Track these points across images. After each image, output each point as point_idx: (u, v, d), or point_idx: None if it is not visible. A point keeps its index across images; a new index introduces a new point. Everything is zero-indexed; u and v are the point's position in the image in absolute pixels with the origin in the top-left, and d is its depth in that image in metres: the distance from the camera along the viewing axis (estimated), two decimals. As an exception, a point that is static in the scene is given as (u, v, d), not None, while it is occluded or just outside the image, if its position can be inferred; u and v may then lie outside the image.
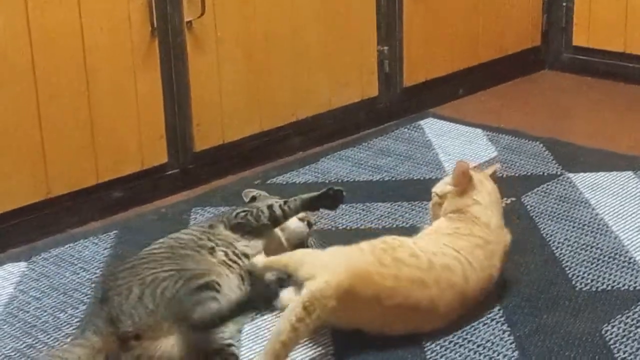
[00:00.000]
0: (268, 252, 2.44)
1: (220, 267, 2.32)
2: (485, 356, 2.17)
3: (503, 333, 2.25)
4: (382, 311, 2.17)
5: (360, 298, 2.14)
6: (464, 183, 2.40)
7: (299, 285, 2.21)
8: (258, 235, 2.45)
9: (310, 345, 2.23)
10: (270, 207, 2.47)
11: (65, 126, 2.89)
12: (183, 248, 2.34)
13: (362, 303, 2.15)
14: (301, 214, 2.57)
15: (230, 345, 2.14)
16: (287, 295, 2.33)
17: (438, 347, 2.21)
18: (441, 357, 2.17)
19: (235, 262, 2.37)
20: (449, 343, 2.22)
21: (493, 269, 2.31)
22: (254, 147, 3.37)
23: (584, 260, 2.58)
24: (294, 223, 2.55)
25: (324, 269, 2.16)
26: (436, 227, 2.41)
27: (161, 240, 2.41)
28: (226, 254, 2.37)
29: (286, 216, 2.49)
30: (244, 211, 2.48)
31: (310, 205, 2.51)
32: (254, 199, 2.64)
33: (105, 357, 2.14)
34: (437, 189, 2.49)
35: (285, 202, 2.49)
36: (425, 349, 2.20)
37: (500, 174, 3.15)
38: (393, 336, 2.23)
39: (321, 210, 2.91)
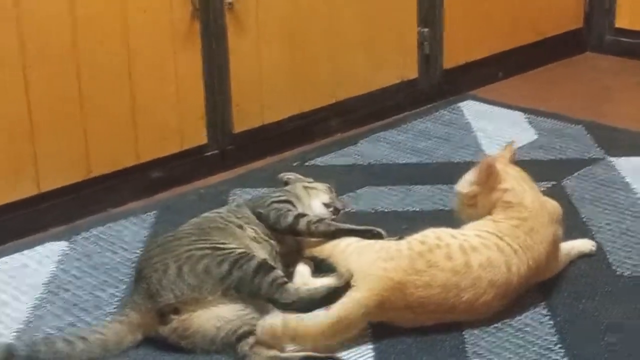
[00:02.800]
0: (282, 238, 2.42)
1: (250, 242, 2.33)
2: (525, 340, 2.16)
3: (543, 317, 2.24)
4: (415, 315, 2.16)
5: (393, 307, 2.14)
6: (492, 180, 2.33)
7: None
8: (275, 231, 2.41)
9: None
10: (297, 217, 2.39)
11: (106, 107, 2.91)
12: (210, 222, 2.36)
13: (394, 310, 2.15)
14: (327, 199, 2.55)
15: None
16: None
17: (477, 331, 2.20)
18: (480, 340, 2.17)
19: (265, 240, 2.38)
20: (488, 327, 2.21)
21: (540, 244, 2.26)
22: (293, 128, 3.37)
23: (624, 245, 2.56)
24: (318, 208, 2.51)
25: (361, 280, 2.14)
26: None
27: (188, 222, 2.42)
28: (255, 232, 2.38)
29: (310, 234, 2.38)
30: (273, 202, 2.44)
31: (344, 236, 2.39)
32: (286, 183, 2.64)
33: (143, 333, 2.19)
34: (463, 189, 2.39)
35: (318, 221, 2.39)
36: (464, 333, 2.19)
37: (541, 158, 3.15)
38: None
39: (360, 192, 2.93)
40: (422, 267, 2.15)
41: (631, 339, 2.15)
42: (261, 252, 2.32)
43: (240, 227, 2.37)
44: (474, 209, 2.37)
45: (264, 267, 2.19)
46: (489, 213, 2.34)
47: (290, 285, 2.18)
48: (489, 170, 2.34)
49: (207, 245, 2.23)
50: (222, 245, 2.24)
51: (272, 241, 2.39)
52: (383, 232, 2.37)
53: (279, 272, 2.20)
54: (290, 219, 2.39)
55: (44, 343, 2.12)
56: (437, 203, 2.86)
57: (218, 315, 2.15)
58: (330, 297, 2.13)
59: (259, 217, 2.42)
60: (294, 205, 2.46)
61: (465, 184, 2.39)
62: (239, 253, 2.22)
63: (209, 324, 2.15)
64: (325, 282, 2.21)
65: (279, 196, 2.49)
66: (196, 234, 2.29)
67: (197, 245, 2.24)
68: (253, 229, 2.38)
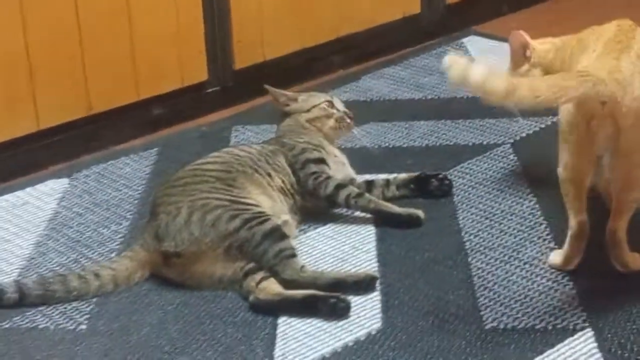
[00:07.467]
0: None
1: (276, 193, 2.31)
2: (532, 273, 2.15)
3: (550, 251, 2.22)
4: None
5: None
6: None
7: None
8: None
9: (354, 268, 2.23)
10: (337, 187, 2.36)
11: (106, 43, 2.86)
12: (240, 165, 2.32)
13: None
14: (333, 123, 2.53)
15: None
16: None
17: (484, 265, 2.19)
18: (487, 274, 2.15)
19: (292, 194, 2.36)
20: (495, 260, 2.20)
21: None
22: (294, 65, 3.32)
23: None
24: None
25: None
26: None
27: (216, 154, 2.39)
28: (283, 182, 2.35)
29: (348, 207, 2.37)
30: (309, 162, 2.39)
31: (393, 216, 2.35)
32: (285, 114, 2.58)
33: (150, 270, 2.19)
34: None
35: (358, 195, 2.35)
36: (471, 267, 2.18)
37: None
38: (438, 256, 2.23)
39: (363, 127, 2.89)
40: None
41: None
42: (283, 205, 2.30)
43: (269, 175, 2.33)
44: None
45: (274, 234, 2.14)
46: None
47: (295, 261, 2.13)
48: (521, 44, 2.43)
49: (227, 197, 2.19)
50: (242, 199, 2.20)
51: (297, 197, 2.36)
52: (422, 216, 2.35)
53: (289, 242, 2.16)
54: (330, 189, 2.35)
55: (58, 282, 2.12)
56: (441, 138, 2.83)
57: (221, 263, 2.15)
58: (333, 286, 2.09)
59: (298, 179, 2.37)
60: (328, 165, 2.42)
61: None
62: (255, 212, 2.17)
63: (214, 267, 2.14)
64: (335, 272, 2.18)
65: (311, 150, 2.42)
66: (221, 180, 2.25)
67: (217, 194, 2.20)
68: (281, 178, 2.35)
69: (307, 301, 2.05)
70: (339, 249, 2.29)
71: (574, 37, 2.33)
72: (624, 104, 1.97)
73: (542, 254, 2.21)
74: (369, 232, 2.35)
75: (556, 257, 2.16)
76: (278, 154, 2.41)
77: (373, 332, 1.99)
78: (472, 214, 2.41)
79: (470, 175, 2.59)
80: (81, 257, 2.30)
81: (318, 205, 2.40)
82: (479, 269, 2.17)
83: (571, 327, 1.97)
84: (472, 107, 2.95)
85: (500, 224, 2.35)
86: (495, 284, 2.12)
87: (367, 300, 2.08)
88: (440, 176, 2.50)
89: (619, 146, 2.02)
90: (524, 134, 2.80)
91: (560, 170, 2.10)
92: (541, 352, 1.90)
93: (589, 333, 1.95)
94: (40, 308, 2.10)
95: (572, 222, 2.11)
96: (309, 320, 2.03)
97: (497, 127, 2.85)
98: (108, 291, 2.13)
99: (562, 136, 2.09)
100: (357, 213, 2.41)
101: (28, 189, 2.64)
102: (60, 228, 2.44)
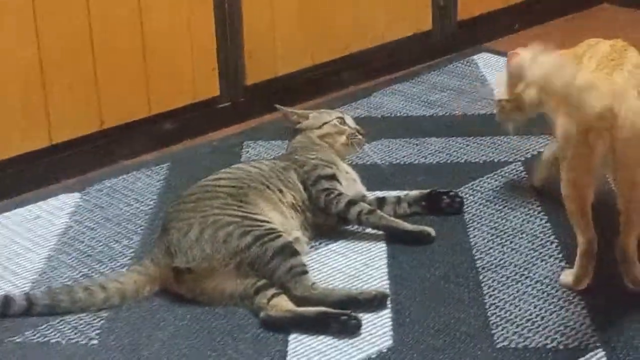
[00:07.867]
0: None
1: (287, 209, 2.31)
2: (543, 292, 2.14)
3: (561, 269, 2.22)
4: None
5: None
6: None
7: None
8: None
9: (366, 285, 2.23)
10: (348, 204, 2.36)
11: (118, 58, 2.88)
12: (252, 181, 2.32)
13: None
14: (344, 139, 2.54)
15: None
16: None
17: (495, 283, 2.19)
18: (498, 292, 2.15)
19: (303, 210, 2.36)
20: (506, 278, 2.20)
21: None
22: (305, 80, 3.33)
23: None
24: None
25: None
26: None
27: (228, 169, 2.40)
28: (295, 198, 2.35)
29: (360, 224, 2.37)
30: (321, 179, 2.39)
31: (404, 233, 2.36)
32: (295, 131, 2.60)
33: (160, 285, 2.19)
34: (502, 95, 2.45)
35: (369, 212, 2.35)
36: (482, 285, 2.18)
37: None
38: (449, 274, 2.22)
39: (374, 144, 2.89)
40: None
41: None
42: (294, 222, 2.30)
43: (281, 191, 2.33)
44: (517, 113, 2.45)
45: (286, 251, 2.14)
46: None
47: (306, 277, 2.13)
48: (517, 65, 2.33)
49: (238, 213, 2.20)
50: (253, 215, 2.20)
51: (308, 213, 2.36)
52: (433, 233, 2.36)
53: (300, 259, 2.16)
54: (341, 206, 2.35)
55: (65, 292, 2.13)
56: (452, 155, 2.83)
57: (233, 279, 2.15)
58: (344, 303, 2.09)
59: (309, 196, 2.37)
60: (339, 181, 2.42)
61: (501, 90, 2.44)
62: (267, 229, 2.17)
63: (225, 284, 2.14)
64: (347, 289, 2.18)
65: (323, 166, 2.42)
66: (232, 196, 2.25)
67: (228, 211, 2.20)
68: (293, 195, 2.35)
69: (318, 318, 2.05)
70: (350, 265, 2.29)
71: (569, 52, 2.33)
72: (620, 115, 1.97)
73: (554, 273, 2.21)
74: (380, 249, 2.35)
75: (567, 276, 2.15)
76: (289, 170, 2.41)
77: (384, 350, 1.99)
78: (483, 232, 2.41)
79: (481, 193, 2.59)
80: (92, 272, 2.30)
81: (329, 222, 2.40)
82: (490, 287, 2.17)
83: (583, 347, 1.96)
84: (482, 124, 2.96)
85: (511, 242, 2.35)
86: (506, 302, 2.11)
87: (378, 317, 2.08)
88: (452, 193, 2.50)
89: (618, 159, 2.01)
90: (535, 152, 2.80)
91: (562, 187, 2.09)
92: (553, 372, 1.91)
93: (600, 353, 1.94)
94: (51, 322, 2.10)
95: (580, 240, 2.11)
96: (320, 338, 2.03)
97: (509, 144, 2.85)
98: (115, 304, 2.14)
99: (561, 152, 2.09)
100: (368, 230, 2.41)
101: (40, 203, 2.65)
102: (72, 242, 2.45)
